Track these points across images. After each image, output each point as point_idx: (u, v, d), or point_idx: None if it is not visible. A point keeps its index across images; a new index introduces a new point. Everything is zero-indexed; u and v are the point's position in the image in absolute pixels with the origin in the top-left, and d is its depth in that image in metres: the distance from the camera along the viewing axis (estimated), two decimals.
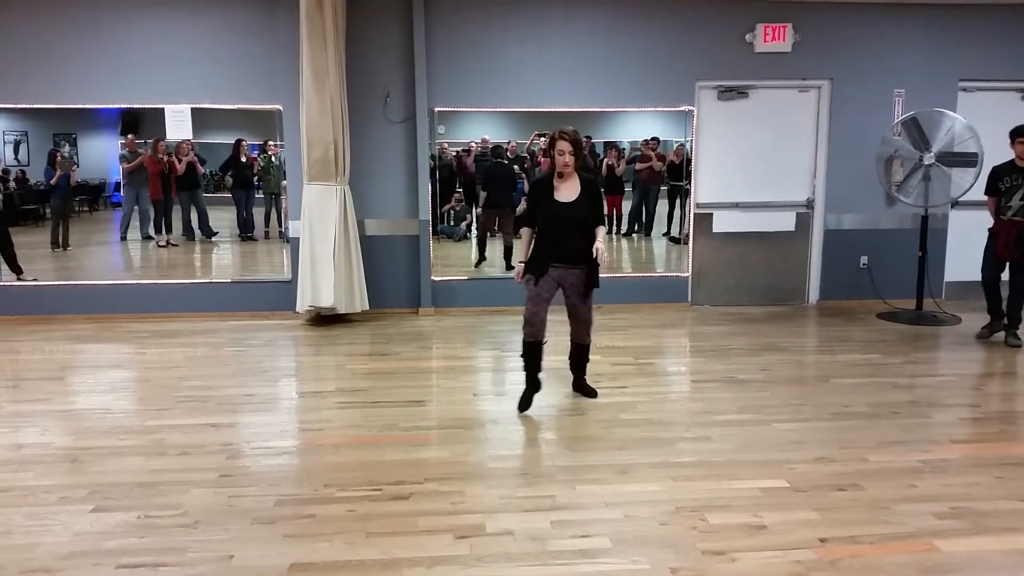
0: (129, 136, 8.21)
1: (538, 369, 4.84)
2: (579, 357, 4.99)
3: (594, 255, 4.51)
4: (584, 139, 6.64)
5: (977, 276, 6.56)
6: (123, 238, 8.74)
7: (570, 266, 4.66)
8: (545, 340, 4.77)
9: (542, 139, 8.85)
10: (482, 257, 8.50)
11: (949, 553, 3.06)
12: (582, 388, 5.06)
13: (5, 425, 4.56)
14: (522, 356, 4.82)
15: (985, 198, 6.57)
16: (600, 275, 4.74)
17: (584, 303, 4.76)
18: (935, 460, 3.99)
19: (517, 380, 5.19)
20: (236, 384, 5.39)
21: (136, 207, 8.63)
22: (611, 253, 6.05)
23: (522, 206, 8.90)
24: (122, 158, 8.31)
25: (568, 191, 4.65)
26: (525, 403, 4.81)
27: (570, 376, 5.13)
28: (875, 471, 3.85)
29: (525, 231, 4.81)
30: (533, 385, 4.86)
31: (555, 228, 4.64)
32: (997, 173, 6.44)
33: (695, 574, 2.91)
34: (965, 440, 4.32)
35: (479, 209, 8.79)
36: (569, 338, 4.95)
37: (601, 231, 4.66)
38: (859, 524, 3.29)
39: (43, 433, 4.42)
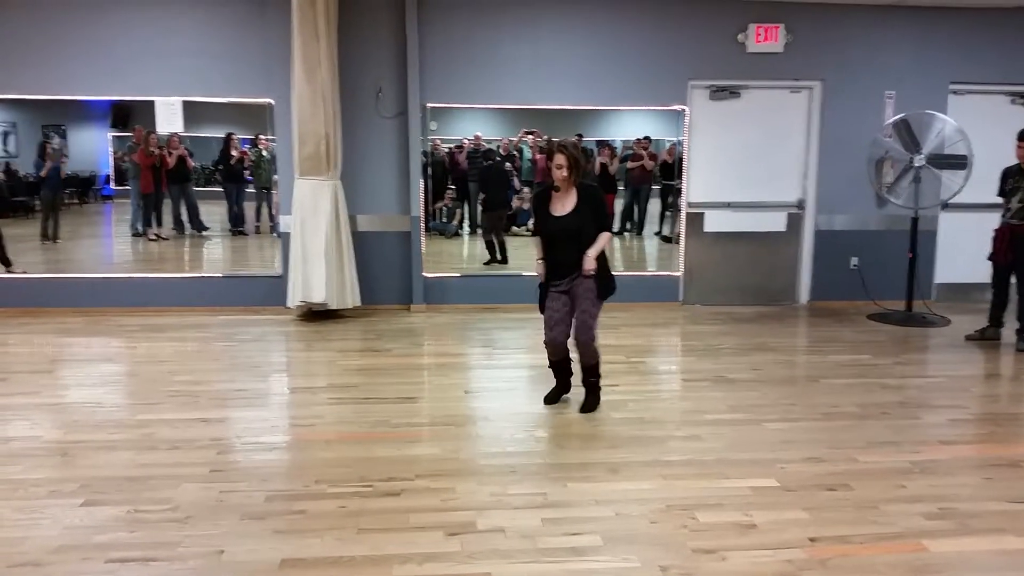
0: (137, 127, 8.14)
1: (566, 376, 4.85)
2: (581, 371, 4.71)
3: (584, 266, 4.45)
4: (576, 137, 6.64)
5: (966, 278, 6.54)
6: (136, 233, 8.64)
7: (571, 279, 4.55)
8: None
9: (530, 136, 8.87)
10: (492, 258, 8.63)
11: (937, 553, 3.08)
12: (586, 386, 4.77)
13: None
14: (549, 367, 4.83)
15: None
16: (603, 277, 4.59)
17: (588, 307, 4.51)
18: (924, 461, 4.01)
19: (508, 377, 5.22)
20: (227, 379, 5.37)
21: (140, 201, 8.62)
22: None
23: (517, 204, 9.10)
24: (130, 148, 8.22)
25: (563, 205, 4.52)
26: (552, 398, 4.83)
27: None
28: (864, 471, 3.87)
29: (533, 240, 4.74)
30: (562, 386, 4.86)
31: (551, 243, 4.57)
32: (1005, 174, 6.36)
33: (685, 572, 2.92)
34: (954, 441, 4.34)
35: (480, 210, 8.95)
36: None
37: (603, 237, 4.51)
38: (848, 524, 3.31)
39: (32, 426, 4.40)
